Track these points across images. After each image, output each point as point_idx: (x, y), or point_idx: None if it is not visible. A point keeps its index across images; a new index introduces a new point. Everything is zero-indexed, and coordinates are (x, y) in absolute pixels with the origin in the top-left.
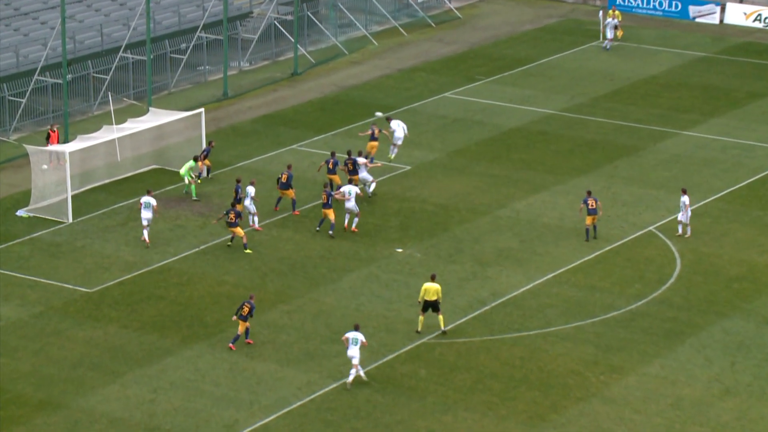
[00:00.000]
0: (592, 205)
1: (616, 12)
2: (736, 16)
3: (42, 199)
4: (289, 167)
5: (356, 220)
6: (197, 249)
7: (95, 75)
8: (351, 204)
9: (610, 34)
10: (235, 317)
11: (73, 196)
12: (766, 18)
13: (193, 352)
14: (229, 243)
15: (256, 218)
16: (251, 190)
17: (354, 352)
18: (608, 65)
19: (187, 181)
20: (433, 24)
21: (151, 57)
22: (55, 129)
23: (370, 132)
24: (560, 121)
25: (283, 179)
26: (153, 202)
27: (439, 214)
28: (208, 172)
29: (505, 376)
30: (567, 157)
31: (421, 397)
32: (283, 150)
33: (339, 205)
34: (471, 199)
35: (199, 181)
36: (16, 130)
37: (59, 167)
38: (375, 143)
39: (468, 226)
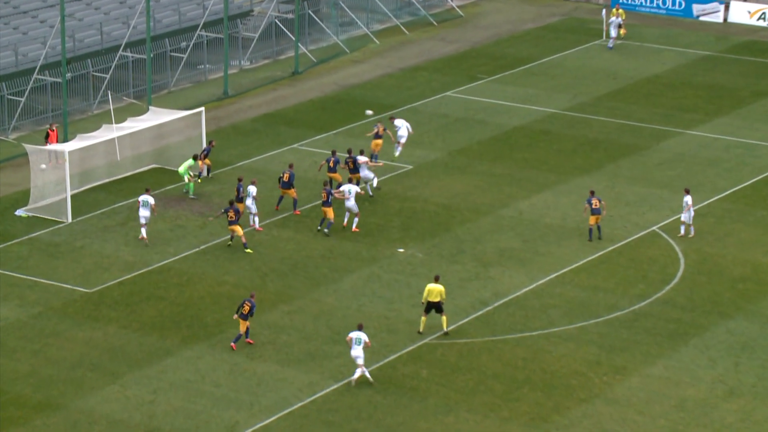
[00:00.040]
0: (595, 205)
1: (620, 10)
2: (741, 14)
3: (41, 198)
4: (290, 166)
5: (356, 219)
6: (197, 249)
7: (95, 74)
8: (351, 203)
9: (614, 33)
10: (236, 316)
11: (72, 196)
12: None
13: (193, 352)
14: (230, 243)
15: (256, 218)
16: (253, 189)
17: (358, 353)
18: (611, 64)
19: (186, 180)
20: (435, 22)
21: (151, 55)
22: (54, 128)
23: (375, 131)
24: (563, 120)
25: (285, 178)
26: (151, 200)
27: (441, 213)
28: (209, 171)
29: (508, 377)
30: (570, 157)
31: (423, 398)
32: (284, 149)
33: (339, 204)
34: (473, 199)
35: (199, 180)
36: (15, 129)
37: (58, 166)
38: (380, 141)
39: (470, 226)
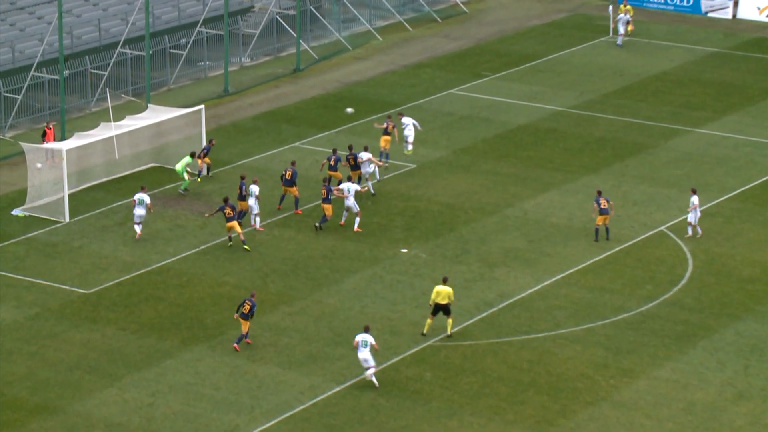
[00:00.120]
0: (603, 205)
1: (628, 6)
2: (750, 10)
3: (38, 197)
4: (293, 163)
5: (358, 219)
6: (197, 249)
7: (93, 71)
8: (350, 202)
9: (622, 30)
10: (236, 315)
11: (70, 195)
12: None
13: (193, 354)
14: (230, 243)
15: (258, 218)
16: (255, 189)
17: (365, 355)
18: (618, 61)
19: (185, 177)
20: (438, 19)
21: (150, 52)
22: (52, 126)
23: (384, 125)
24: (569, 118)
25: (288, 175)
26: (147, 199)
27: (445, 213)
28: (209, 170)
29: (513, 379)
30: (576, 155)
31: (426, 401)
32: (285, 147)
33: (339, 204)
34: (477, 198)
35: (198, 179)
36: (11, 127)
37: (55, 165)
38: (388, 137)
39: (474, 226)
